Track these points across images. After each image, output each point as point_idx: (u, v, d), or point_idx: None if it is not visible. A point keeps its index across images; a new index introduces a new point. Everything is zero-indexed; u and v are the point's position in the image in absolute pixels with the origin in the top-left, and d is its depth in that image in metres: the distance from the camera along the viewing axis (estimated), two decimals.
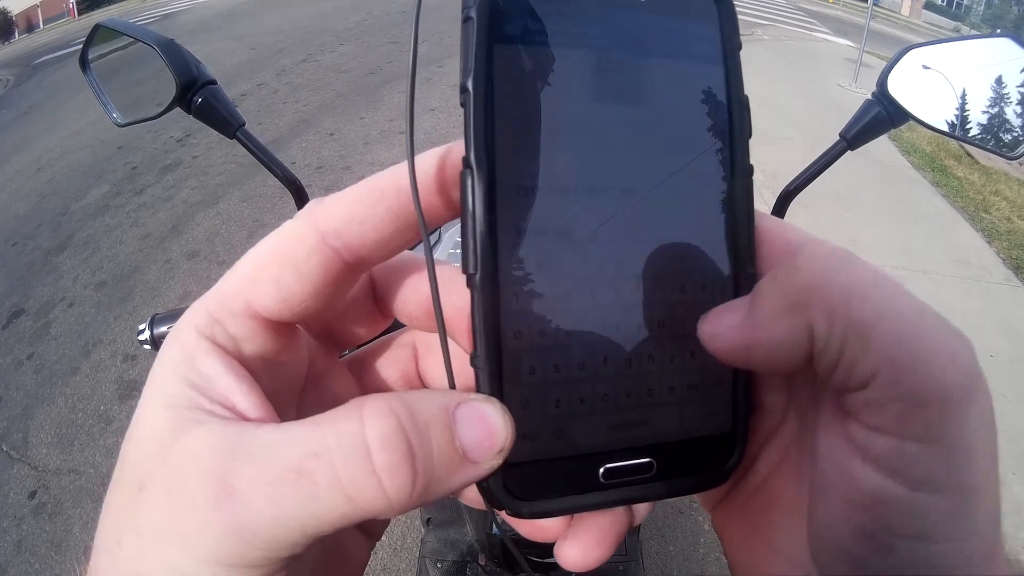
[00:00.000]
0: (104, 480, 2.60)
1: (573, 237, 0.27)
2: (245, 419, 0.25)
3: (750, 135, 0.30)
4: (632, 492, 0.28)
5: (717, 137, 0.29)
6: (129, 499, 0.24)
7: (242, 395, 0.26)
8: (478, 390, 0.26)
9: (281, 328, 0.29)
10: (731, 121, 0.29)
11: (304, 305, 0.28)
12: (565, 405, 0.27)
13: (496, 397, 0.26)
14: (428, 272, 0.27)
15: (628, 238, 0.27)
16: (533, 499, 0.27)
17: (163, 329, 0.90)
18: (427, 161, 0.28)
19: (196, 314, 0.27)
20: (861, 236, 4.50)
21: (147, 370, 0.26)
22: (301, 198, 0.83)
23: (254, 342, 0.28)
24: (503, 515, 0.28)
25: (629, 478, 0.28)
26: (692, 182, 0.29)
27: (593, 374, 0.27)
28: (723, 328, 0.26)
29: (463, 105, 0.26)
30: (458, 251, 0.90)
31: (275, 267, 0.27)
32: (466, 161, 0.25)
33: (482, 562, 1.23)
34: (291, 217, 0.29)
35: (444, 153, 0.28)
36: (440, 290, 0.27)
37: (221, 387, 0.26)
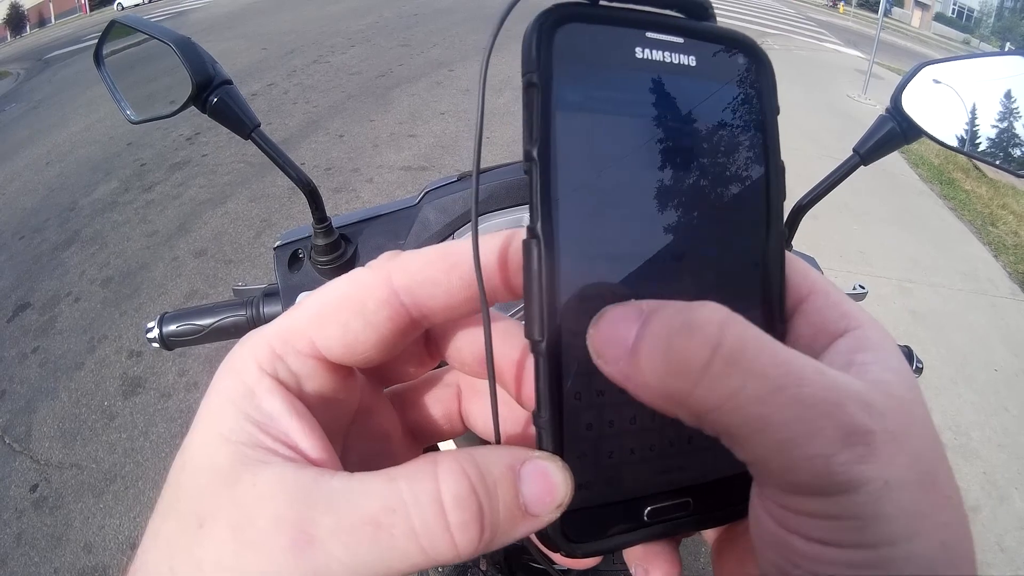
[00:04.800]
0: (106, 475, 2.60)
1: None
2: (308, 460, 0.26)
3: (784, 198, 0.31)
4: (671, 527, 0.30)
5: (757, 202, 0.30)
6: (186, 531, 0.24)
7: (304, 436, 0.26)
8: (539, 446, 0.27)
9: (341, 369, 0.30)
10: (768, 186, 0.30)
11: (367, 354, 0.29)
12: (617, 456, 0.28)
13: (557, 453, 0.27)
14: (484, 337, 0.28)
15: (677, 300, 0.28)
16: (586, 541, 0.28)
17: (172, 328, 0.90)
18: (493, 240, 0.29)
19: (256, 348, 0.28)
20: (868, 247, 4.50)
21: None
22: (315, 200, 0.82)
23: (314, 381, 0.28)
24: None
25: (670, 516, 0.30)
26: (734, 245, 0.30)
27: (642, 427, 0.28)
28: (609, 355, 0.26)
29: (527, 173, 0.26)
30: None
31: (344, 312, 0.28)
32: (531, 231, 0.26)
33: (483, 567, 1.23)
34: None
35: (509, 236, 0.29)
36: (497, 342, 0.29)
37: (283, 426, 0.26)
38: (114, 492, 2.57)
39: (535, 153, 0.26)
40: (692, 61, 0.29)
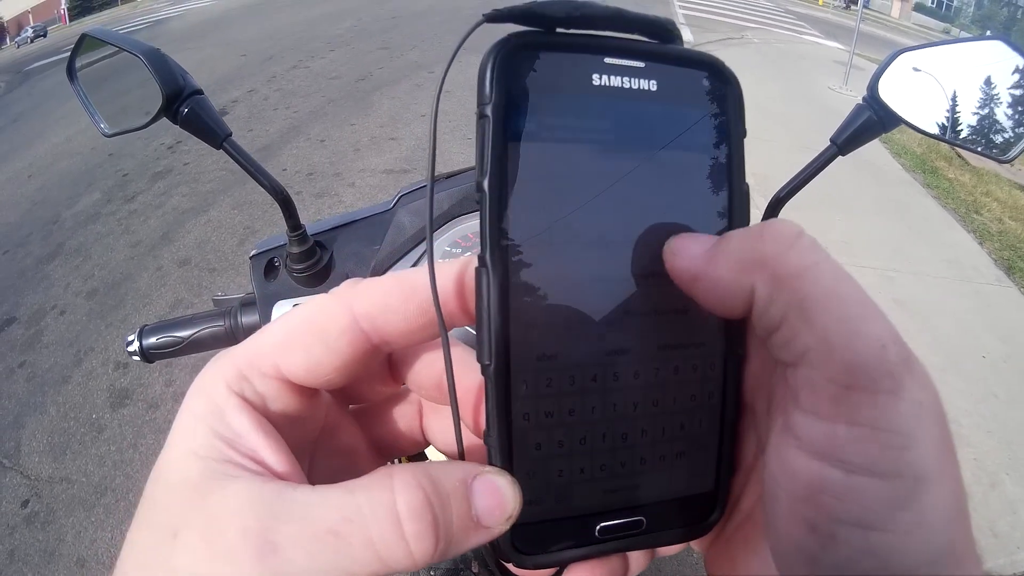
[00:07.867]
0: (96, 488, 2.59)
1: (579, 333, 0.28)
2: (274, 474, 0.27)
3: (748, 223, 0.31)
4: (624, 544, 0.31)
5: (718, 229, 0.30)
6: (161, 542, 0.26)
7: (270, 452, 0.28)
8: (490, 463, 0.28)
9: (305, 391, 0.31)
10: (731, 212, 0.31)
11: (328, 377, 0.30)
12: (567, 475, 0.29)
13: (507, 470, 0.28)
14: (445, 364, 0.29)
15: (628, 335, 0.29)
16: (536, 553, 0.30)
17: (152, 340, 0.90)
18: (450, 268, 0.30)
19: (224, 369, 0.29)
20: (852, 238, 4.52)
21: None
22: (288, 208, 0.82)
23: (279, 401, 0.30)
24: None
25: (622, 533, 0.31)
26: None
27: (592, 448, 0.29)
28: (684, 253, 0.28)
29: (479, 203, 0.27)
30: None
31: (307, 338, 0.29)
32: (481, 260, 0.27)
33: (475, 569, 1.22)
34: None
35: (465, 263, 0.30)
36: (455, 369, 0.29)
37: (251, 443, 0.28)
38: (105, 505, 2.56)
39: (485, 185, 0.26)
40: (653, 86, 0.29)
